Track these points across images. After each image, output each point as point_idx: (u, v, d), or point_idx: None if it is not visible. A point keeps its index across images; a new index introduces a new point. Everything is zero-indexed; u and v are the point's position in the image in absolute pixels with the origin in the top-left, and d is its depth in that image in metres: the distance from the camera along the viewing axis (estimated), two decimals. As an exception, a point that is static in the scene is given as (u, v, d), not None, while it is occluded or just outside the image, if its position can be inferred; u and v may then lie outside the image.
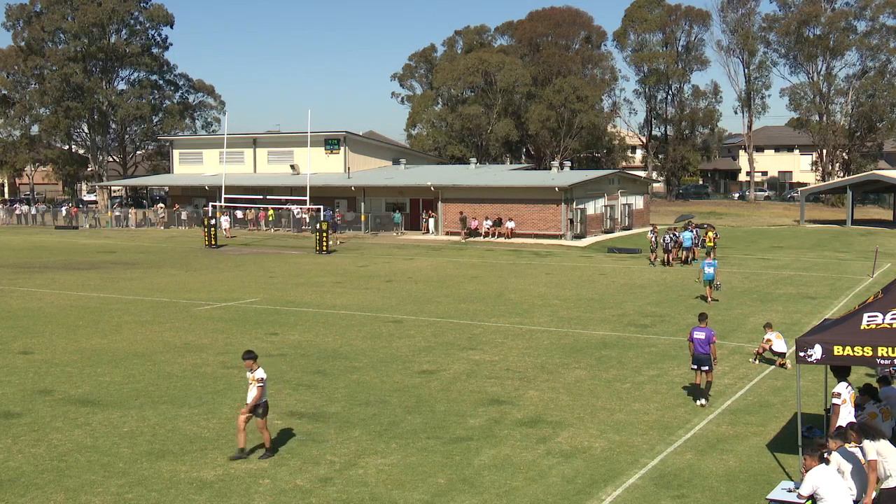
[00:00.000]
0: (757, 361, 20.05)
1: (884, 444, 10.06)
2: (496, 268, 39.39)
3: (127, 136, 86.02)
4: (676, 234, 41.26)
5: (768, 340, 20.02)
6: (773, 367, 19.57)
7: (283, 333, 23.51)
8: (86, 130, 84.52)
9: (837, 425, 12.20)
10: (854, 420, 11.89)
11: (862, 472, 10.14)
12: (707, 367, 16.46)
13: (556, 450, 13.94)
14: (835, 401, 12.53)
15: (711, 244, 40.15)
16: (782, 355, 19.92)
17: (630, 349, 21.51)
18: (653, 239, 41.32)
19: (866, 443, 10.07)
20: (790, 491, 10.82)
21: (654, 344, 22.09)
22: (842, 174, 77.50)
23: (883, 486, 10.04)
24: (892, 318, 11.77)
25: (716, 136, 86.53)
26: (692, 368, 16.73)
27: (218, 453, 13.69)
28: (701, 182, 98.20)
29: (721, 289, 30.05)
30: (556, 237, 50.98)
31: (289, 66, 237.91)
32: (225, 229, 55.26)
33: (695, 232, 42.18)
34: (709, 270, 29.60)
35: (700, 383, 16.61)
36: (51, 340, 22.44)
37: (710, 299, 29.27)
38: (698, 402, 16.39)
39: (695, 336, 16.62)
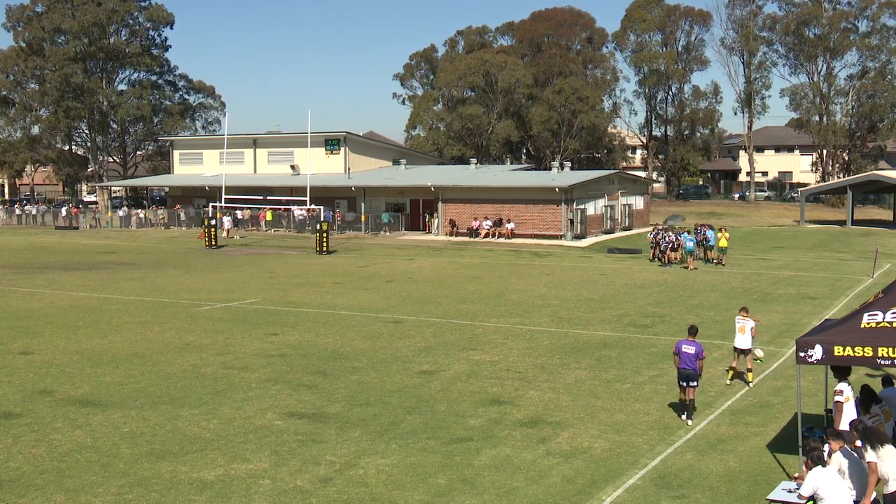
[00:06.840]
0: (729, 381, 18.09)
1: (885, 449, 10.03)
2: (496, 268, 39.38)
3: (127, 137, 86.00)
4: (676, 234, 41.38)
5: (741, 328, 17.94)
6: (771, 368, 19.55)
7: (284, 334, 23.50)
8: (86, 131, 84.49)
9: (837, 426, 12.20)
10: (857, 418, 11.87)
11: (862, 474, 10.12)
12: (695, 384, 15.27)
13: (557, 450, 13.93)
14: (838, 398, 12.53)
15: (717, 245, 40.42)
16: (745, 354, 17.96)
17: (630, 349, 21.50)
18: (652, 238, 41.61)
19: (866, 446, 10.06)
20: (790, 491, 10.81)
21: (655, 344, 22.07)
22: (842, 175, 77.43)
23: (885, 492, 10.02)
24: (892, 317, 11.74)
25: (716, 136, 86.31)
26: (679, 385, 15.44)
27: (218, 454, 13.68)
28: (701, 182, 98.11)
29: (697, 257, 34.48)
30: (556, 237, 50.96)
31: (289, 66, 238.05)
32: (226, 230, 55.20)
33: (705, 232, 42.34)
34: (689, 244, 36.88)
35: (686, 400, 15.37)
36: (51, 341, 22.43)
37: (690, 268, 35.72)
38: (684, 418, 15.32)
39: (683, 350, 15.35)
